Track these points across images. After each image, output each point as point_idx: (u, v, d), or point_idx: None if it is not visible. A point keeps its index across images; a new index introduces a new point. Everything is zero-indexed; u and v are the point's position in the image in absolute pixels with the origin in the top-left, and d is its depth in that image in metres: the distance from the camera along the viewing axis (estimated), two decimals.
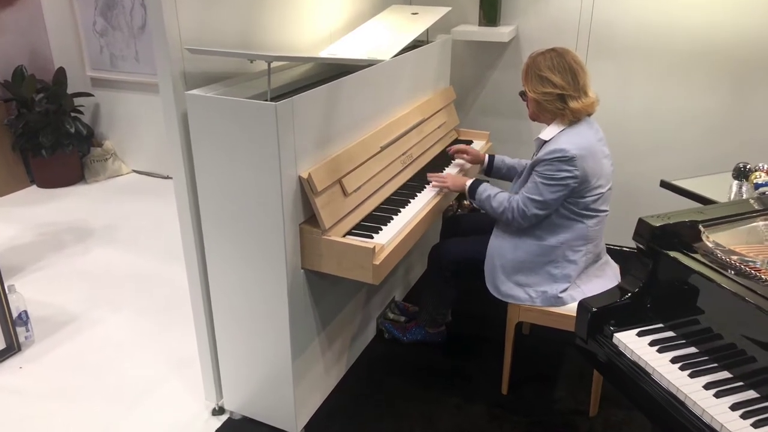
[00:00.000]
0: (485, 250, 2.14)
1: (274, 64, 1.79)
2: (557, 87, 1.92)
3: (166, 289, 2.96)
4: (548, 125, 2.03)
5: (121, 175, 4.49)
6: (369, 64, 2.11)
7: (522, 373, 2.36)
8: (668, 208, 1.58)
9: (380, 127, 2.20)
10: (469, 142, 2.77)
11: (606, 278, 2.11)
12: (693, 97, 2.85)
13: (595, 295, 1.58)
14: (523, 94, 2.05)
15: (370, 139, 2.09)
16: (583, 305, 1.53)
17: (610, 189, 2.01)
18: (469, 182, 2.19)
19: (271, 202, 1.71)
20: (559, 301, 2.04)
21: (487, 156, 2.43)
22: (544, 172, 1.93)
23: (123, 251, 3.36)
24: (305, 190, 1.77)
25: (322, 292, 2.03)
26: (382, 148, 2.13)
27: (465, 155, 2.47)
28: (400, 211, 2.06)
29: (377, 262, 1.76)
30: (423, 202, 2.15)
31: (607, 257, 2.16)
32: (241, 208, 1.77)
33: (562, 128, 1.97)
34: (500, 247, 2.11)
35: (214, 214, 1.82)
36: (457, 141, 2.80)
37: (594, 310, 1.50)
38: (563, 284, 2.03)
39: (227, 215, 1.80)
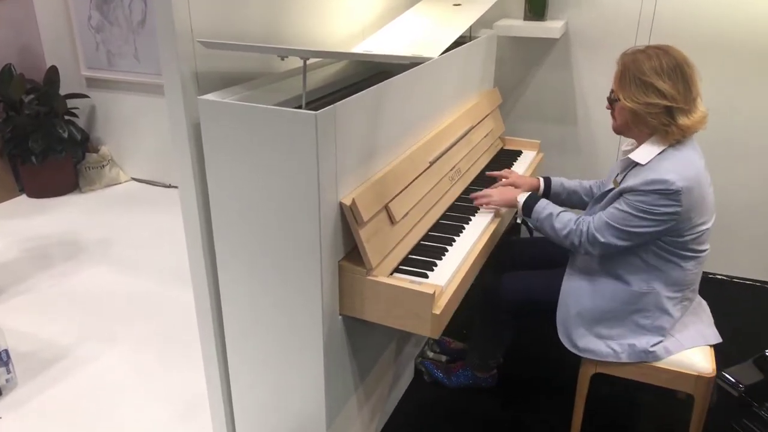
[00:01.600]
0: (556, 291, 1.78)
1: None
2: (666, 97, 1.55)
3: (169, 315, 2.60)
4: (640, 142, 1.66)
5: (119, 183, 4.13)
6: (417, 62, 1.75)
7: (591, 424, 2.00)
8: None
9: (428, 137, 1.84)
10: (518, 153, 2.42)
11: (701, 322, 1.75)
12: None
13: (732, 369, 1.22)
14: (613, 101, 1.68)
15: (418, 153, 1.73)
16: (725, 382, 1.17)
17: (710, 226, 1.64)
18: (521, 197, 1.83)
19: (305, 235, 1.35)
20: (650, 356, 1.68)
21: (542, 180, 2.04)
22: (637, 203, 1.56)
23: (119, 270, 3.00)
24: (347, 219, 1.41)
25: (362, 339, 1.67)
26: (431, 163, 1.77)
27: (511, 185, 2.09)
28: (454, 240, 1.70)
29: (438, 311, 1.40)
30: (480, 226, 1.79)
31: (699, 297, 1.80)
32: (267, 239, 1.41)
33: (661, 149, 1.60)
34: (576, 292, 1.75)
35: (233, 244, 1.47)
36: (503, 151, 2.45)
37: (741, 388, 1.14)
38: (655, 337, 1.67)
39: (249, 246, 1.44)
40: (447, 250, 1.64)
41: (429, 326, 1.41)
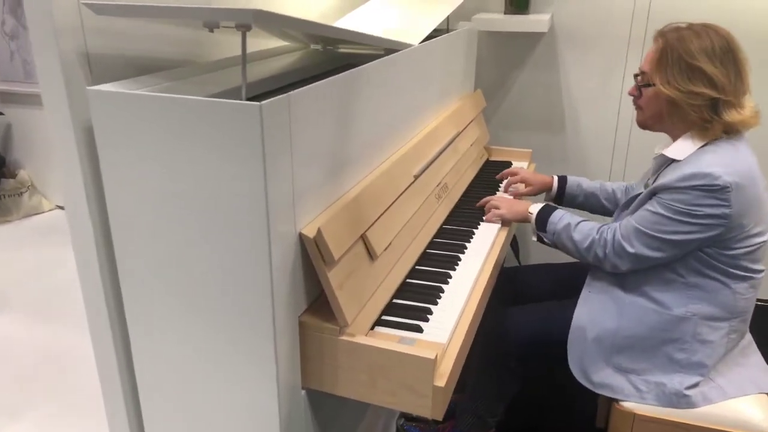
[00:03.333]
0: (570, 326, 1.42)
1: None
2: (715, 87, 1.23)
3: (86, 377, 2.10)
4: (673, 138, 1.33)
5: (41, 212, 3.58)
6: (393, 50, 1.37)
7: None
8: None
9: (409, 145, 1.45)
10: (507, 165, 2.06)
11: (751, 365, 1.40)
12: None
13: None
14: (644, 86, 1.34)
15: (399, 164, 1.34)
16: None
17: None
18: (534, 208, 1.50)
19: (251, 281, 0.94)
20: (683, 402, 1.32)
21: (556, 178, 1.71)
22: (673, 203, 1.24)
23: (30, 320, 2.47)
24: (310, 257, 1.00)
25: (334, 412, 1.25)
26: (416, 177, 1.38)
27: (523, 184, 1.76)
28: (450, 276, 1.31)
29: (442, 383, 1.00)
30: (480, 255, 1.41)
31: (749, 335, 1.45)
32: (194, 286, 0.98)
33: (702, 143, 1.28)
34: (595, 312, 1.40)
35: (145, 290, 1.03)
36: (489, 163, 2.09)
37: None
38: (692, 377, 1.32)
39: (169, 296, 1.01)
40: (443, 291, 1.25)
41: (430, 404, 1.01)
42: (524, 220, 1.54)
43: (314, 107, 0.98)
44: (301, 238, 0.98)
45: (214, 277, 0.96)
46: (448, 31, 1.99)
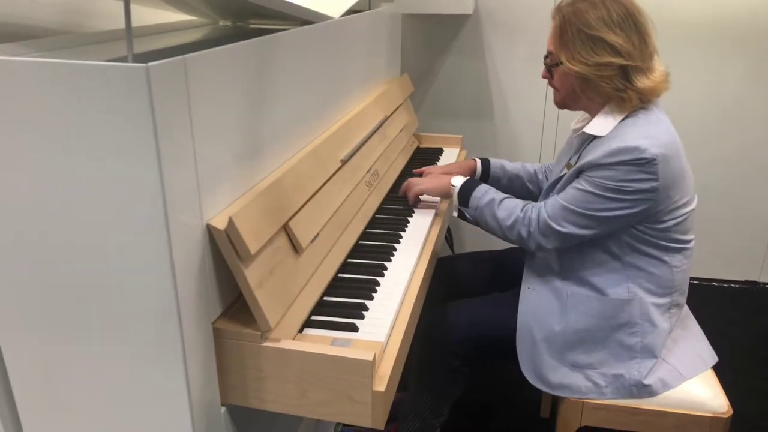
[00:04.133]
0: (515, 318, 1.34)
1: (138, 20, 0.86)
2: (621, 54, 1.19)
3: None
4: (592, 114, 1.30)
5: None
6: (311, 21, 1.24)
7: None
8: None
9: (334, 127, 1.32)
10: (439, 152, 1.98)
11: (692, 336, 1.37)
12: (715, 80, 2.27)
13: None
14: (552, 66, 1.30)
15: (324, 148, 1.20)
16: None
17: (694, 208, 1.30)
18: (457, 180, 1.42)
19: (150, 283, 0.78)
20: (644, 392, 1.27)
21: (478, 162, 1.63)
22: (601, 181, 1.19)
23: None
24: (222, 253, 0.86)
25: (262, 428, 1.10)
26: (344, 162, 1.26)
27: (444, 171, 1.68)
28: (385, 268, 1.19)
29: (382, 387, 0.88)
30: (416, 244, 1.30)
31: (686, 306, 1.43)
32: (86, 291, 0.81)
33: (622, 116, 1.24)
34: (539, 311, 1.33)
35: (20, 302, 0.85)
36: (420, 150, 1.99)
37: None
38: (646, 361, 1.27)
39: (48, 306, 0.84)
40: (378, 284, 1.13)
41: (369, 412, 0.88)
42: (447, 193, 1.45)
43: (220, 76, 0.84)
44: (210, 230, 0.84)
45: (106, 278, 0.79)
46: (369, 8, 1.88)
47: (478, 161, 1.63)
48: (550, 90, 1.38)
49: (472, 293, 1.52)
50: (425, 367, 1.49)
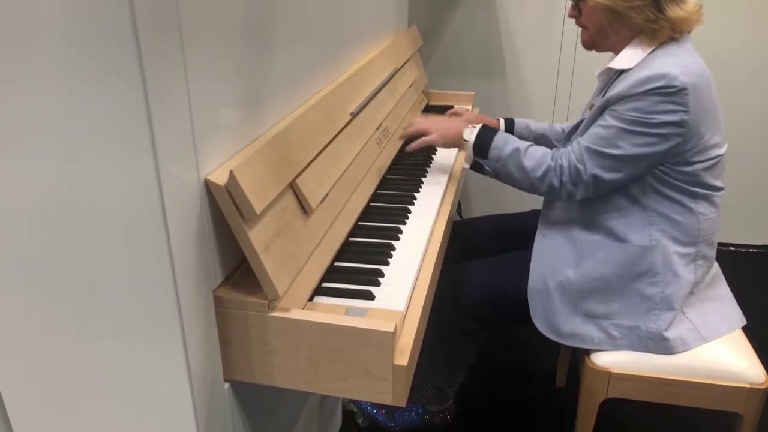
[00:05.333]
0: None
1: None
2: None
3: None
4: (619, 50, 1.21)
5: None
6: None
7: None
8: None
9: (341, 78, 1.21)
10: (449, 109, 1.86)
11: (719, 299, 1.29)
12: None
13: None
14: (578, 2, 1.22)
15: (331, 99, 1.09)
16: None
17: (725, 153, 1.20)
18: (469, 133, 1.30)
19: (143, 247, 0.68)
20: (661, 346, 1.20)
21: (502, 121, 1.53)
22: (627, 113, 1.10)
23: None
24: (223, 211, 0.76)
25: (268, 406, 1.02)
26: (354, 115, 1.15)
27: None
28: (400, 231, 1.09)
29: (404, 360, 0.79)
30: (432, 205, 1.20)
31: (716, 265, 1.34)
32: (74, 260, 0.72)
33: (651, 48, 1.16)
34: (555, 256, 1.26)
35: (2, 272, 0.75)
36: (429, 108, 1.88)
37: None
38: (665, 314, 1.19)
39: (32, 275, 0.74)
40: (393, 249, 1.03)
41: (390, 388, 0.80)
42: (456, 143, 1.34)
43: (216, 14, 0.72)
44: (209, 186, 0.74)
45: (91, 237, 0.70)
46: None
47: (502, 120, 1.53)
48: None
49: (485, 257, 1.43)
50: (439, 332, 1.41)
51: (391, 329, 0.76)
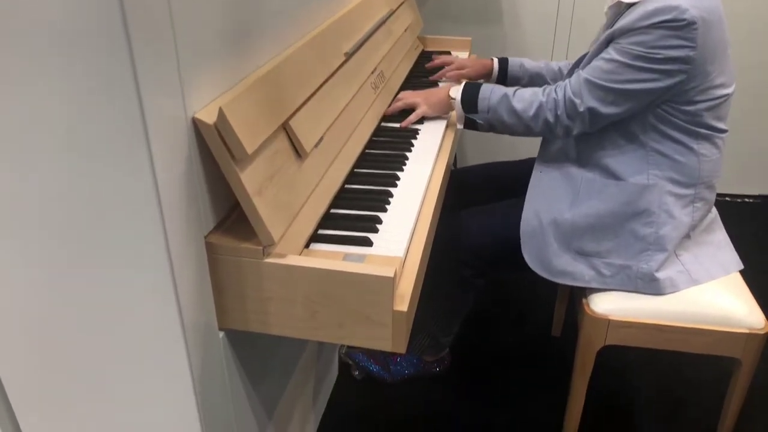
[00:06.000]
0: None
1: None
2: None
3: None
4: None
5: None
6: None
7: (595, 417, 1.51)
8: None
9: (335, 16, 1.15)
10: (446, 55, 1.80)
11: (715, 244, 1.27)
12: None
13: None
14: None
15: (326, 37, 1.04)
16: None
17: (732, 93, 1.17)
18: (455, 91, 1.26)
19: (127, 189, 0.64)
20: (650, 286, 1.19)
21: (496, 61, 1.48)
22: (632, 47, 1.07)
23: None
24: (213, 152, 0.72)
25: (265, 356, 1.00)
26: (349, 56, 1.09)
27: (459, 70, 1.52)
28: (398, 178, 1.06)
29: (404, 306, 0.77)
30: (431, 151, 1.17)
31: (714, 210, 1.32)
32: (53, 209, 0.68)
33: None
34: (549, 195, 1.24)
35: None
36: (425, 54, 1.81)
37: None
38: (657, 255, 1.18)
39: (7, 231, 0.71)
40: (391, 195, 1.00)
41: (390, 334, 0.78)
42: (447, 109, 1.30)
43: None
44: (197, 125, 0.69)
45: (79, 184, 0.65)
46: None
47: (495, 60, 1.48)
48: None
49: (481, 205, 1.40)
50: (435, 280, 1.39)
51: (390, 274, 0.74)
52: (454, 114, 1.29)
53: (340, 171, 1.02)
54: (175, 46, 0.64)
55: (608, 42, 1.12)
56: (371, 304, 0.76)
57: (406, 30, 1.60)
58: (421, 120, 1.32)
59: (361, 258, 0.82)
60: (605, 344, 1.24)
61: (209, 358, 0.81)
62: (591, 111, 1.12)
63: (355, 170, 1.08)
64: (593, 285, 1.22)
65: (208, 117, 0.69)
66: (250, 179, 0.73)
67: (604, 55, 1.11)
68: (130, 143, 0.62)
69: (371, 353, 1.59)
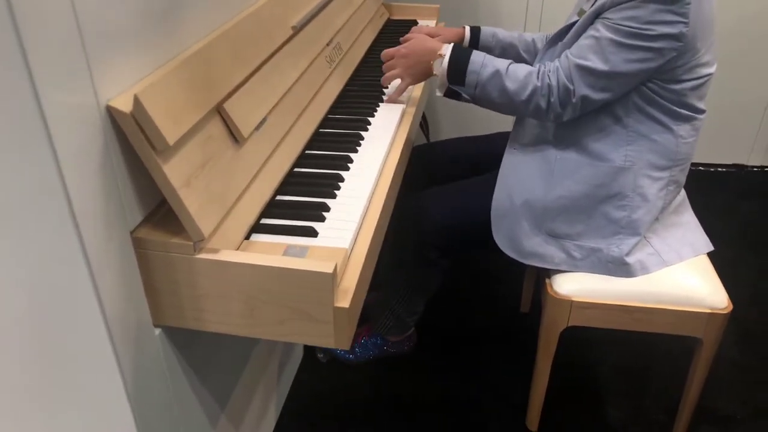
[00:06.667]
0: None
1: None
2: None
3: None
4: None
5: None
6: None
7: (561, 394, 1.50)
8: None
9: None
10: (413, 24, 1.73)
11: (684, 226, 1.25)
12: None
13: None
14: None
15: (269, 9, 0.97)
16: None
17: (713, 73, 1.13)
18: (440, 63, 1.16)
19: (36, 182, 0.59)
20: (620, 270, 1.17)
21: (467, 29, 1.41)
22: (623, 23, 1.01)
23: None
24: (132, 143, 0.66)
25: (211, 349, 0.96)
26: (297, 30, 1.03)
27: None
28: (350, 161, 1.01)
29: (346, 303, 0.72)
30: (388, 130, 1.11)
31: (683, 191, 1.29)
32: None
33: None
34: (522, 174, 1.20)
35: None
36: (390, 22, 1.74)
37: None
38: (629, 239, 1.16)
39: None
40: (342, 180, 0.95)
41: (332, 331, 0.74)
42: (430, 72, 1.21)
43: None
44: (111, 113, 0.63)
45: None
46: None
47: (467, 28, 1.41)
48: None
49: (451, 182, 1.36)
50: (399, 261, 1.35)
51: (329, 270, 0.69)
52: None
53: (289, 154, 0.96)
54: (78, 27, 0.57)
55: (596, 16, 1.05)
56: (311, 301, 0.72)
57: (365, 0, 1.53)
58: (381, 96, 1.26)
59: (303, 251, 0.77)
60: (568, 325, 1.22)
61: (144, 355, 0.77)
62: (583, 99, 1.06)
63: (307, 152, 1.02)
64: (563, 268, 1.20)
65: (124, 105, 0.63)
66: (175, 171, 0.67)
67: (591, 31, 1.05)
68: (29, 136, 0.56)
69: None
